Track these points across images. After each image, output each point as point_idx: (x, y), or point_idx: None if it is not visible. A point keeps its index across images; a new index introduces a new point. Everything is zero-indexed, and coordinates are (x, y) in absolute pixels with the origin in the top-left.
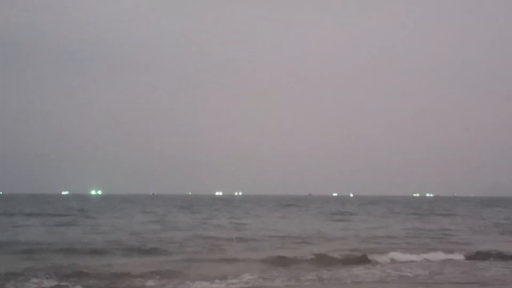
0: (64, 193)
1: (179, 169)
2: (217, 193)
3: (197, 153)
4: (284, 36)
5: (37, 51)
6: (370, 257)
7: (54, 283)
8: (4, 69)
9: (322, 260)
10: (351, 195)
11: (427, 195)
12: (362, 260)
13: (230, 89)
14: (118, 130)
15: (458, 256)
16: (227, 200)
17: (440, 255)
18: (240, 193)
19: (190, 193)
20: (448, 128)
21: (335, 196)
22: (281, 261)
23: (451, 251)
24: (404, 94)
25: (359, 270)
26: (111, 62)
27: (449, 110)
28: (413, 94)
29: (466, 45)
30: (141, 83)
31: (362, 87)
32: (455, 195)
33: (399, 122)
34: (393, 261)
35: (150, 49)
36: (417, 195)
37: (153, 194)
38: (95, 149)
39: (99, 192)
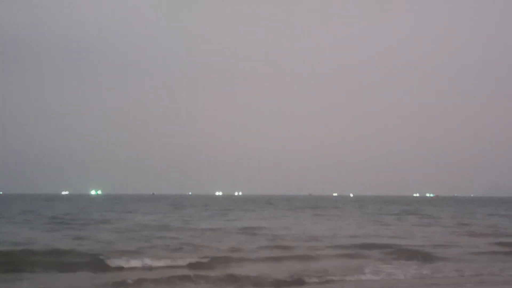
0: (64, 193)
1: (179, 169)
2: (217, 193)
3: (197, 153)
4: (284, 37)
5: (37, 51)
6: None
7: None
8: (4, 69)
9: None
10: (351, 195)
11: (427, 195)
12: None
13: (230, 89)
14: (118, 130)
15: None
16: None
17: None
18: (240, 193)
19: (190, 193)
20: (448, 128)
21: (335, 196)
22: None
23: None
24: (404, 94)
25: None
26: (110, 62)
27: (449, 110)
28: (413, 94)
29: (466, 44)
30: (141, 83)
31: (362, 87)
32: (455, 195)
33: (399, 122)
34: None
35: (150, 49)
36: (417, 195)
37: (153, 194)
38: (95, 149)
39: (99, 192)
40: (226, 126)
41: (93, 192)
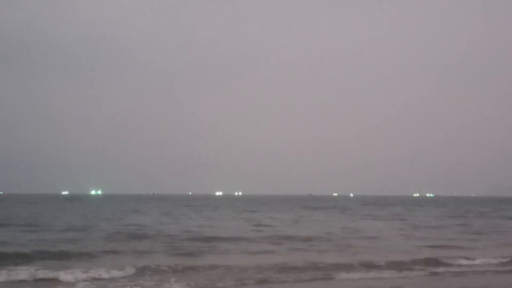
0: (64, 193)
1: (179, 169)
2: (217, 193)
3: (197, 153)
4: (283, 35)
5: (37, 51)
6: None
7: None
8: (4, 69)
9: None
10: (351, 195)
11: (427, 195)
12: None
13: (230, 89)
14: (118, 130)
15: None
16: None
17: None
18: (240, 193)
19: (190, 193)
20: (448, 128)
21: (335, 196)
22: None
23: None
24: (404, 94)
25: None
26: (110, 62)
27: (449, 110)
28: (413, 93)
29: (466, 41)
30: (141, 83)
31: (362, 87)
32: (455, 195)
33: (399, 122)
34: None
35: (149, 49)
36: (417, 195)
37: (153, 194)
38: (95, 149)
39: (99, 192)
40: (226, 126)
41: (93, 192)
